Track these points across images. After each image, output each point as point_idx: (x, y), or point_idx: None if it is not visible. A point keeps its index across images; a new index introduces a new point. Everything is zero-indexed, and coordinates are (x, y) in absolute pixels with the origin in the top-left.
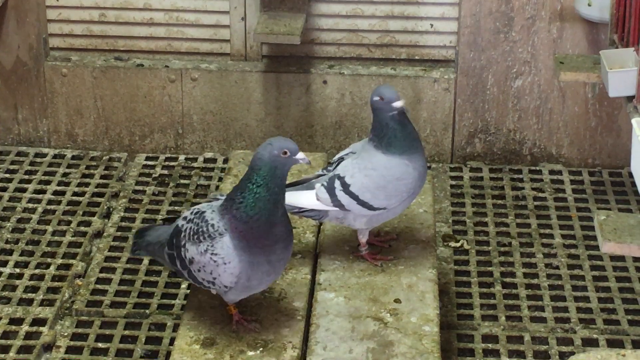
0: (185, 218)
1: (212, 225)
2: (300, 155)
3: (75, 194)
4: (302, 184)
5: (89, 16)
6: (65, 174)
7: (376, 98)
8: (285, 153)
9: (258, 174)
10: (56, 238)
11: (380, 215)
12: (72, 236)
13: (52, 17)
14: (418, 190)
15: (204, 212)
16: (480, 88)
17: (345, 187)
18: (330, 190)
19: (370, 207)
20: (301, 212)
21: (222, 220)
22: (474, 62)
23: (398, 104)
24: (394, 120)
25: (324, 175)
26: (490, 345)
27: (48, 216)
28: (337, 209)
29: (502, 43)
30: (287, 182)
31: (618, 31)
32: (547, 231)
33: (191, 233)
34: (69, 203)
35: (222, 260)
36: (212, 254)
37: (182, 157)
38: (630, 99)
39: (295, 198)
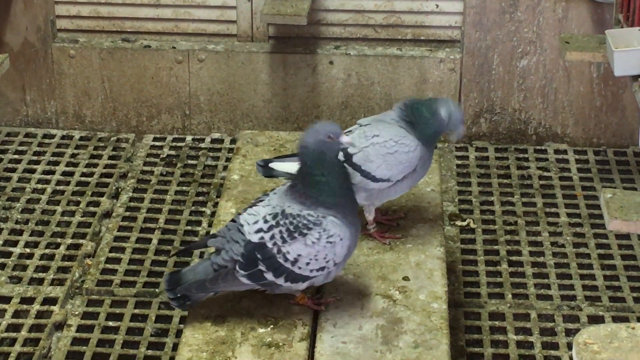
0: (260, 230)
1: (310, 215)
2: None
3: (83, 174)
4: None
5: None
6: (73, 155)
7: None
8: (330, 137)
9: (317, 167)
10: (66, 218)
11: (383, 191)
12: (82, 216)
13: None
14: (421, 170)
15: (283, 211)
16: (486, 68)
17: (348, 157)
18: None
19: (372, 178)
20: None
21: (311, 209)
22: (480, 42)
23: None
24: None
25: None
26: (497, 322)
27: (57, 197)
28: None
29: (508, 23)
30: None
31: (623, 11)
32: (553, 210)
33: (286, 235)
34: (78, 184)
35: (338, 238)
36: (327, 237)
37: (189, 138)
38: (635, 78)
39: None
